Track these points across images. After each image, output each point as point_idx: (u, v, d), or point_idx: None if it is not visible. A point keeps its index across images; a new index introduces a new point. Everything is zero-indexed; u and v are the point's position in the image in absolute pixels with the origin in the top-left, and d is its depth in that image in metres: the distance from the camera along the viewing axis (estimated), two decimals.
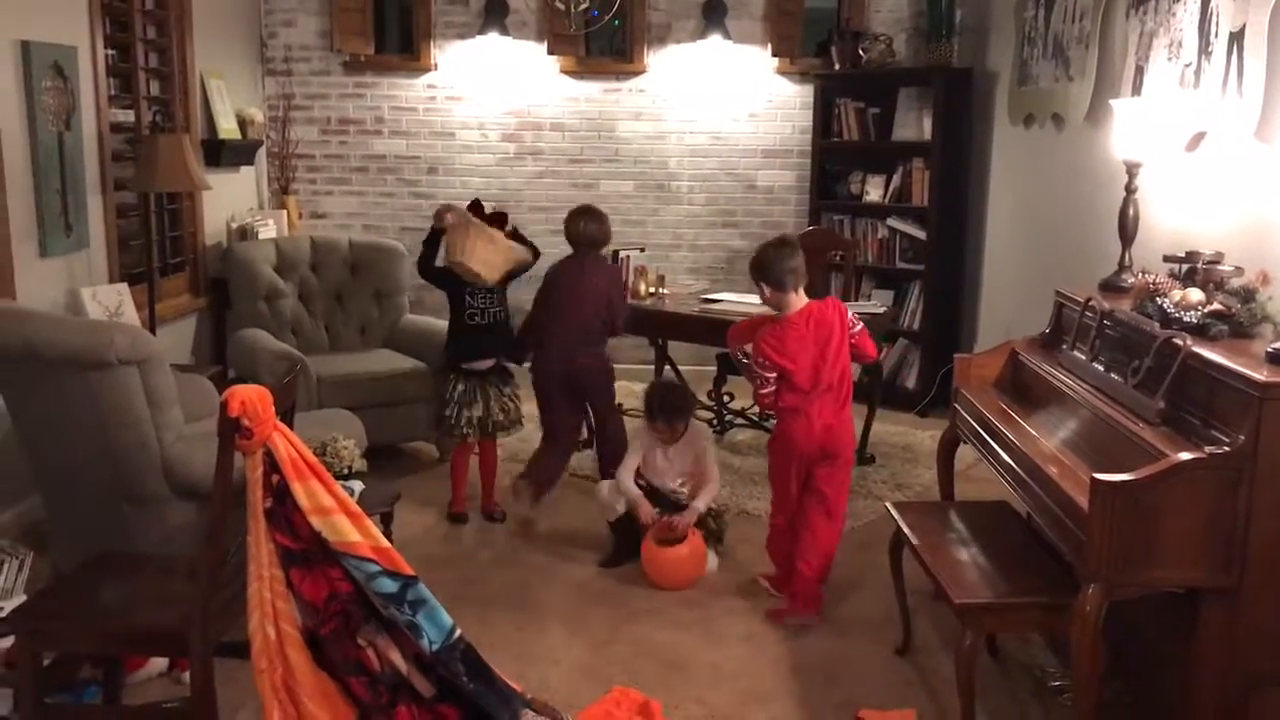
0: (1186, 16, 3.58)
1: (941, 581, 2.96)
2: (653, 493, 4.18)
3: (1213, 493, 2.46)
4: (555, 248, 6.87)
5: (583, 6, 5.60)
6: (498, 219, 4.58)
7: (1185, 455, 2.47)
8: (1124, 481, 2.46)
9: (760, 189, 6.87)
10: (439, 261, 4.47)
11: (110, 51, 5.01)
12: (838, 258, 6.13)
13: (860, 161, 6.56)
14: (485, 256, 4.32)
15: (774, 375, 3.73)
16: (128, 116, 5.21)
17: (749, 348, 3.82)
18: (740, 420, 5.71)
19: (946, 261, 6.25)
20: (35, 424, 3.56)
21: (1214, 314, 2.83)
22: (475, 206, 4.56)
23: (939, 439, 3.87)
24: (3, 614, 3.36)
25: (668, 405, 4.16)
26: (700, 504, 4.09)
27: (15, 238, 4.23)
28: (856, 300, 5.96)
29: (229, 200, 6.14)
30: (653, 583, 3.98)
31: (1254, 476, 2.43)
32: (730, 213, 6.90)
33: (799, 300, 3.80)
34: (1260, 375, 2.43)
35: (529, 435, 4.93)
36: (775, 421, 3.96)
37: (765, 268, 3.79)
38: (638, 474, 4.19)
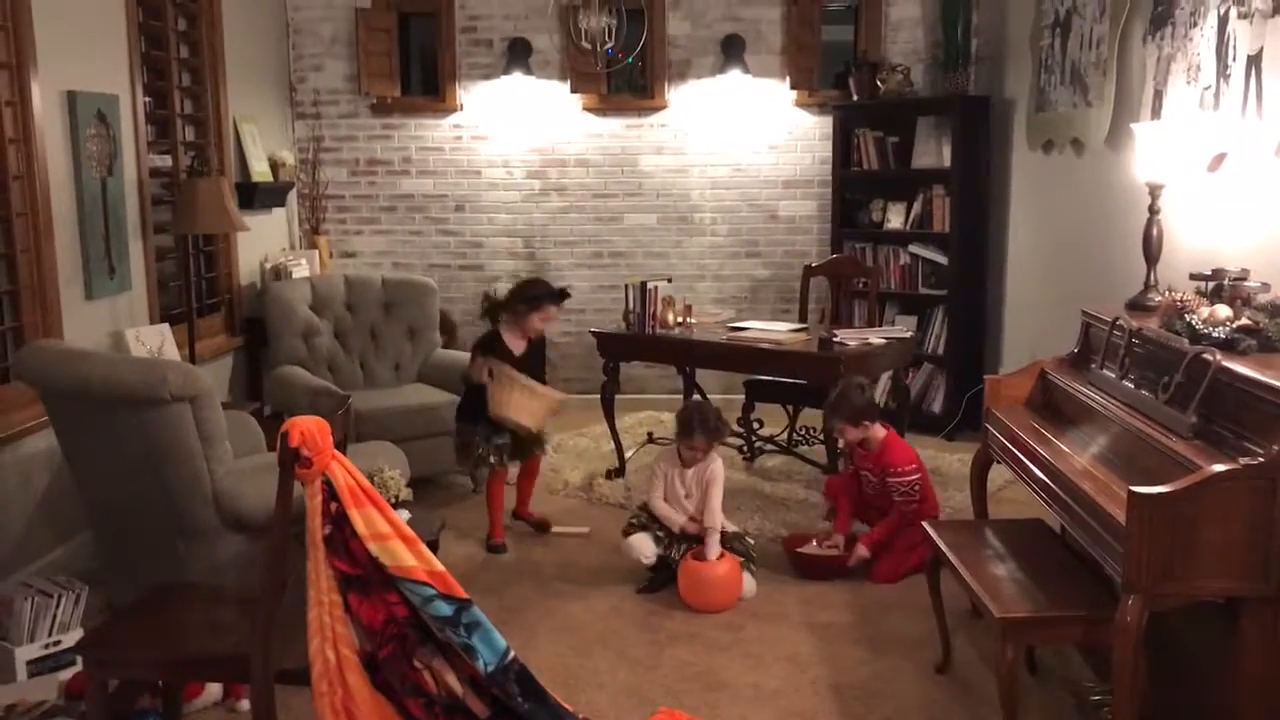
0: (1204, 41, 3.66)
1: (981, 597, 3.01)
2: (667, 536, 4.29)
3: (1248, 503, 2.50)
4: (583, 280, 7.04)
5: (605, 46, 5.72)
6: (561, 295, 4.81)
7: (1219, 467, 2.52)
8: (1160, 494, 2.51)
9: (782, 219, 6.96)
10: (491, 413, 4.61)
11: (148, 99, 5.15)
12: (861, 285, 6.21)
13: (880, 190, 6.65)
14: (528, 407, 4.59)
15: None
16: (165, 161, 5.35)
17: (900, 481, 4.34)
18: (770, 446, 5.77)
19: (969, 286, 6.32)
20: (89, 460, 3.66)
21: (1242, 329, 2.88)
22: (561, 294, 4.80)
23: (972, 459, 3.93)
24: (61, 646, 3.46)
25: (707, 421, 4.27)
26: (715, 522, 4.18)
27: (63, 281, 4.35)
28: (881, 326, 6.02)
29: (262, 241, 6.27)
30: (690, 605, 4.04)
31: None
32: (753, 243, 7.00)
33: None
34: None
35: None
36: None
37: (860, 409, 4.39)
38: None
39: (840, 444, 4.80)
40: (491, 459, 4.63)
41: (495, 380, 4.53)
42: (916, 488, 4.35)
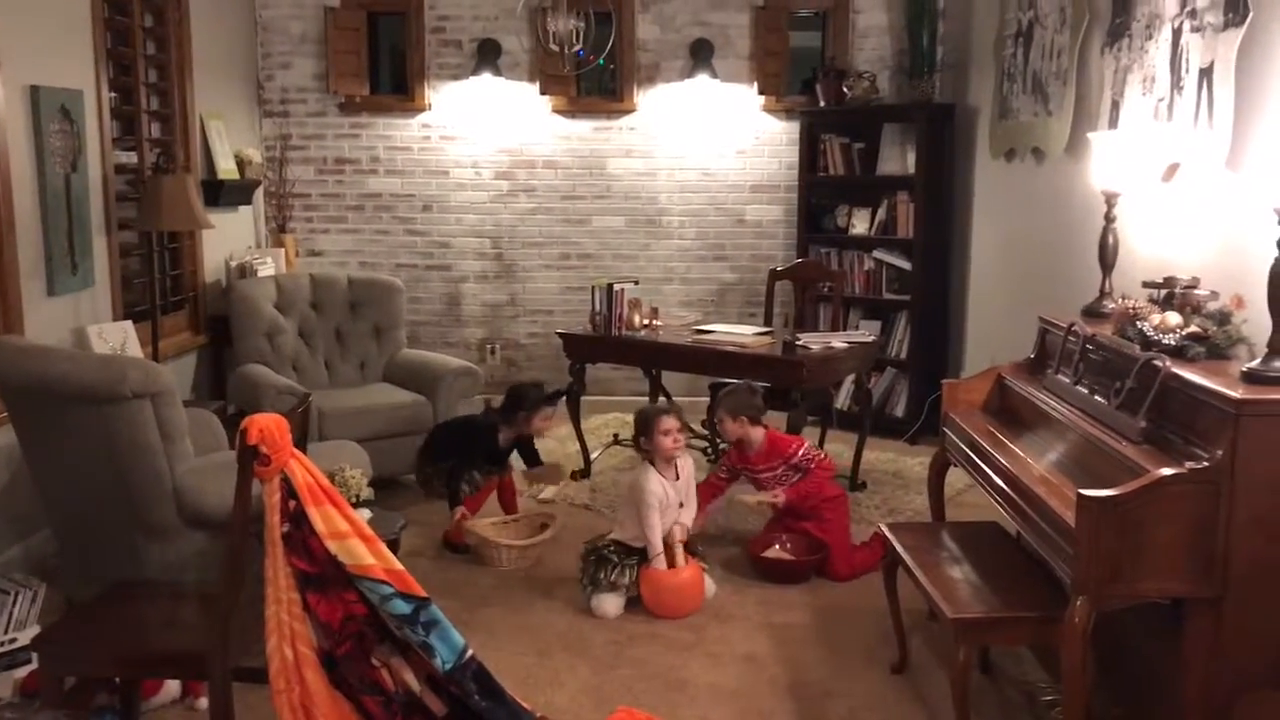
0: (1158, 53, 3.73)
1: (935, 598, 3.06)
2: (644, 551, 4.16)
3: (1193, 506, 2.56)
4: (550, 281, 7.06)
5: (574, 49, 5.74)
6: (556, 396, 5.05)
7: (1166, 471, 2.58)
8: (1108, 497, 2.56)
9: (749, 223, 7.01)
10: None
11: (113, 95, 5.12)
12: (826, 289, 6.26)
13: (846, 195, 6.71)
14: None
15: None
16: (130, 158, 5.33)
17: (802, 457, 4.50)
18: None
19: (932, 292, 6.39)
20: (48, 458, 3.64)
21: (1192, 336, 2.95)
22: (556, 396, 5.03)
23: (930, 463, 3.98)
24: (17, 644, 3.44)
25: (651, 408, 4.43)
26: (686, 519, 4.22)
27: (24, 277, 4.32)
28: (845, 330, 6.08)
29: (227, 239, 6.25)
30: (654, 613, 4.03)
31: (1232, 490, 2.53)
32: (720, 246, 7.04)
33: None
34: (1236, 393, 2.55)
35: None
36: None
37: (743, 406, 4.53)
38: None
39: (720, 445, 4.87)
40: (470, 488, 4.72)
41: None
42: (813, 451, 4.56)
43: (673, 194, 6.99)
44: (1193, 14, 3.47)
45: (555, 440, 6.18)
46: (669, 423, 4.21)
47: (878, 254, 6.49)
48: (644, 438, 4.25)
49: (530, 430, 4.84)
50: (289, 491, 2.61)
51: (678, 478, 4.25)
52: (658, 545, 4.08)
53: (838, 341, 5.19)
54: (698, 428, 5.91)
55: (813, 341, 5.13)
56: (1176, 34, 3.59)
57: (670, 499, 4.19)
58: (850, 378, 5.75)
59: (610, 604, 4.03)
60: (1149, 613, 2.85)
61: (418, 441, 5.19)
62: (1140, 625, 2.98)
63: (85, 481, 3.54)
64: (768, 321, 6.18)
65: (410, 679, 2.70)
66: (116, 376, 3.37)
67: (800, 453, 4.49)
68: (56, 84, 4.53)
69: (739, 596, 4.20)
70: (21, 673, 3.34)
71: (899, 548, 3.43)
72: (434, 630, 2.66)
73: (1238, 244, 3.22)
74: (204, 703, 3.20)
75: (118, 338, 4.81)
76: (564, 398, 5.10)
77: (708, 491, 4.56)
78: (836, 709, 3.37)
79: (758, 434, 4.51)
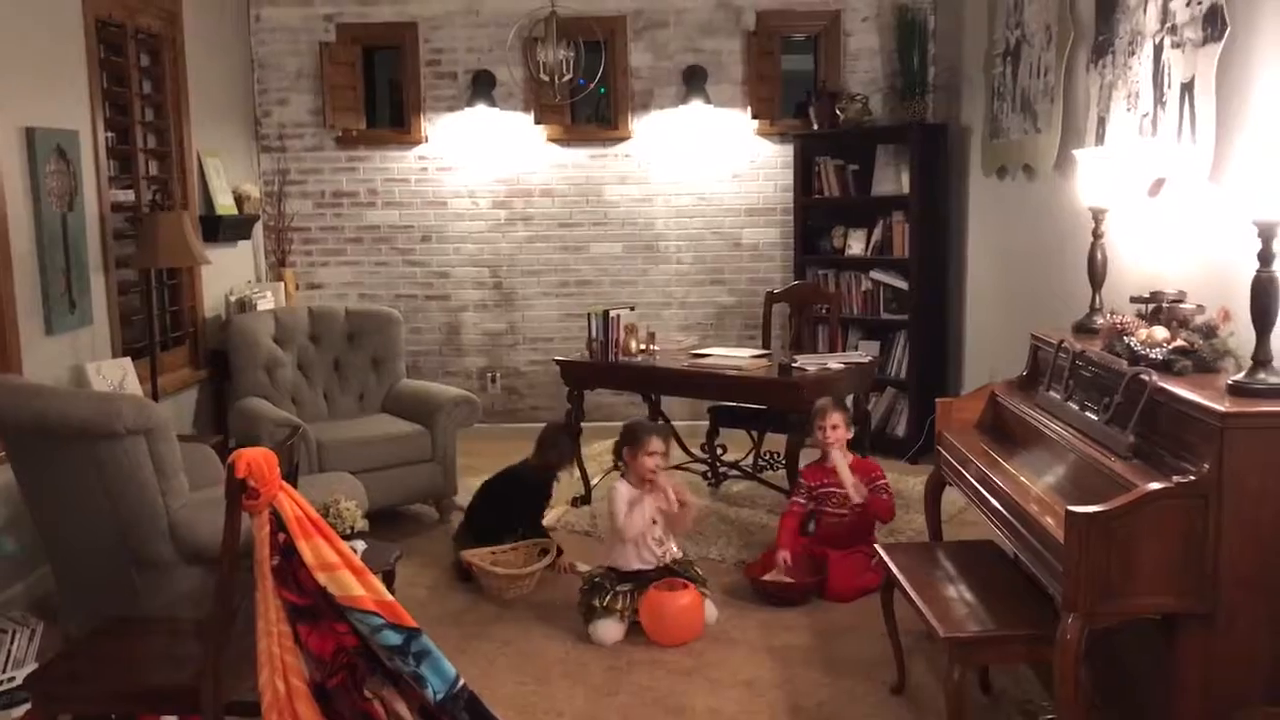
0: (1141, 69, 3.75)
1: (929, 617, 3.05)
2: (640, 575, 4.16)
3: (1182, 520, 2.56)
4: (550, 309, 7.08)
5: (567, 78, 5.78)
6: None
7: (1154, 485, 2.58)
8: (1096, 513, 2.56)
9: (746, 246, 7.03)
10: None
11: (110, 134, 5.17)
12: (823, 311, 6.27)
13: (841, 216, 6.73)
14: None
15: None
16: (128, 196, 5.37)
17: (883, 483, 4.63)
18: (734, 472, 5.80)
19: (929, 310, 6.40)
20: (45, 495, 3.66)
21: (1178, 350, 2.95)
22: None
23: (925, 482, 3.98)
24: (15, 683, 3.45)
25: (644, 425, 4.41)
26: (689, 497, 4.27)
27: (22, 316, 4.35)
28: (843, 351, 6.08)
29: (227, 274, 6.29)
30: (655, 640, 4.01)
31: (1220, 503, 2.53)
32: (718, 270, 7.06)
33: None
34: (1222, 406, 2.55)
35: None
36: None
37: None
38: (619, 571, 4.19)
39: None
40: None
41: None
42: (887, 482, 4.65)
43: (669, 219, 7.02)
44: (1173, 30, 3.49)
45: None
46: (657, 444, 4.21)
47: (874, 274, 6.50)
48: (627, 449, 4.27)
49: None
50: (278, 524, 2.62)
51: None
52: (631, 526, 4.13)
53: (834, 363, 5.20)
54: (697, 451, 5.92)
55: (809, 363, 5.13)
56: (1158, 50, 3.61)
57: (646, 516, 4.18)
58: (848, 399, 5.73)
59: (608, 630, 4.02)
60: (1142, 629, 2.84)
61: (418, 472, 5.23)
62: (1134, 644, 2.96)
63: (81, 518, 3.55)
64: (766, 344, 6.19)
65: (403, 710, 2.70)
66: (111, 413, 3.39)
67: (877, 479, 4.61)
68: (52, 125, 4.57)
69: (739, 620, 4.19)
70: (18, 712, 3.35)
71: (894, 568, 3.42)
72: (425, 660, 2.65)
73: (1222, 257, 3.23)
74: None
75: (116, 375, 4.83)
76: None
77: (792, 521, 4.56)
78: None
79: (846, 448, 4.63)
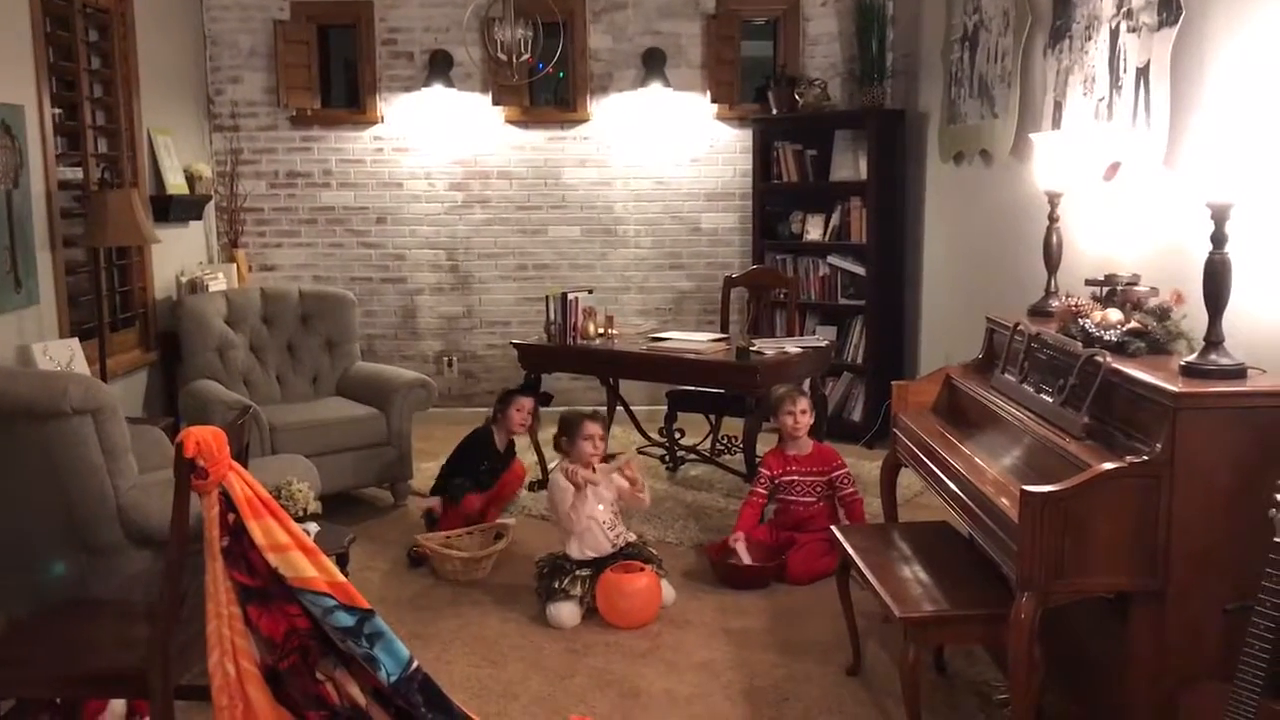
0: (1098, 54, 3.77)
1: (885, 598, 3.06)
2: (597, 561, 4.14)
3: (1135, 500, 2.58)
4: (507, 293, 7.04)
5: (525, 57, 5.74)
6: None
7: (1107, 465, 2.60)
8: (1050, 492, 2.57)
9: (705, 231, 7.02)
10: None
11: (57, 110, 5.05)
12: (781, 295, 6.28)
13: (800, 202, 6.74)
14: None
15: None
16: (76, 174, 5.25)
17: (844, 473, 4.64)
18: (692, 456, 5.80)
19: (886, 296, 6.42)
20: None
21: (1132, 332, 2.97)
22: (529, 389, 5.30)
23: (881, 465, 3.99)
24: None
25: (576, 412, 4.42)
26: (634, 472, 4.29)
27: None
28: (801, 335, 6.09)
29: (178, 255, 6.18)
30: (613, 623, 3.99)
31: (1172, 483, 2.56)
32: (676, 255, 7.04)
33: None
34: (1175, 387, 2.57)
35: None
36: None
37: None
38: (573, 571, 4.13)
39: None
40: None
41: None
42: (850, 477, 4.65)
43: (628, 203, 6.99)
44: (1129, 14, 3.52)
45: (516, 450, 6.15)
46: (593, 428, 4.27)
47: (832, 260, 6.51)
48: (565, 439, 4.30)
49: (510, 427, 5.03)
50: (228, 504, 2.57)
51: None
52: (578, 519, 4.14)
53: (791, 347, 5.21)
54: (655, 435, 5.91)
55: (767, 347, 5.14)
56: (1114, 34, 3.63)
57: (590, 498, 4.17)
58: (805, 382, 5.75)
59: (565, 612, 4.00)
60: (1096, 608, 2.87)
61: (372, 455, 5.18)
62: (1088, 620, 2.99)
63: (26, 500, 3.46)
64: (724, 329, 6.18)
65: (356, 692, 2.67)
66: (57, 392, 3.31)
67: (839, 469, 4.61)
68: None
69: (696, 603, 4.19)
70: None
71: (850, 549, 3.43)
72: (378, 642, 2.63)
73: (1176, 240, 3.26)
74: None
75: (64, 355, 4.73)
76: (549, 401, 5.26)
77: (752, 511, 4.54)
78: (791, 712, 3.37)
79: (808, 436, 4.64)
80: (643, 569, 4.06)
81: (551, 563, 4.13)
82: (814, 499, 4.54)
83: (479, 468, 4.98)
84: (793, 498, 4.54)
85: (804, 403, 4.57)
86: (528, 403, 5.10)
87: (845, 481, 4.59)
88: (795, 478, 4.54)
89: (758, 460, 4.97)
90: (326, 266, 7.01)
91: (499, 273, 7.06)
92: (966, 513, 3.06)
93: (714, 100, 6.86)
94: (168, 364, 5.90)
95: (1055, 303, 3.61)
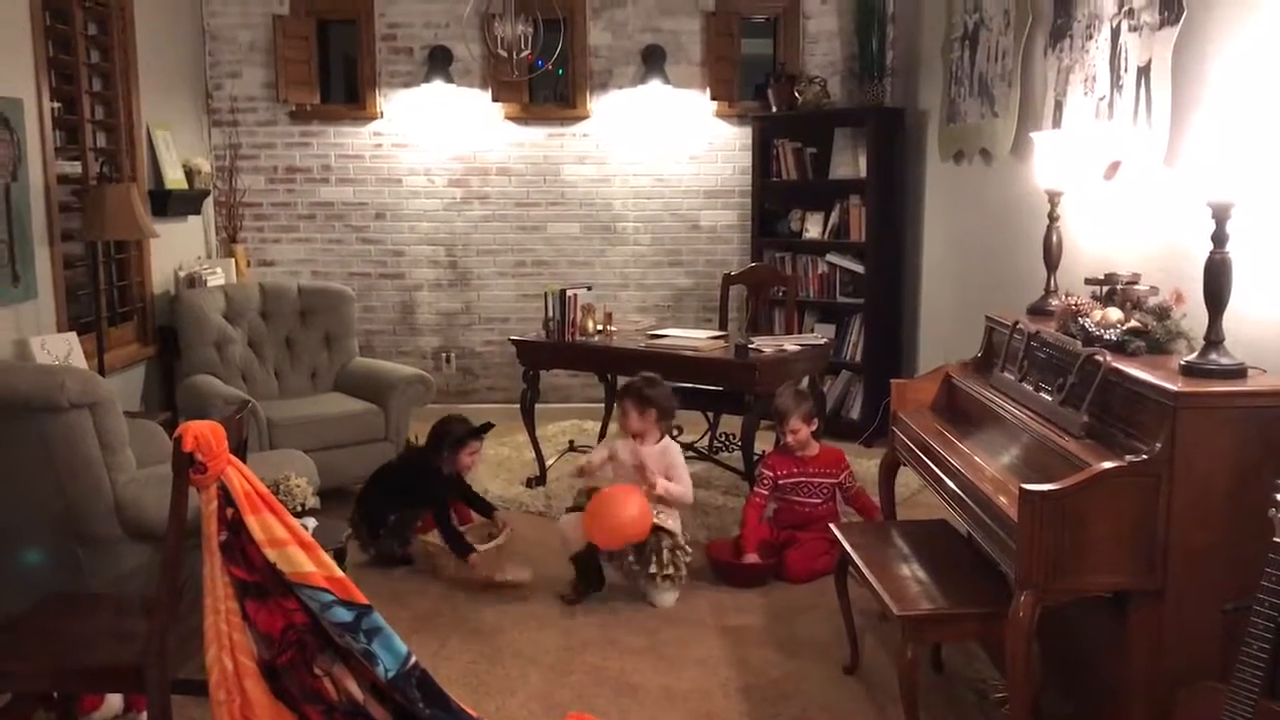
0: (1099, 53, 3.77)
1: (883, 596, 3.06)
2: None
3: (1134, 499, 2.58)
4: (506, 289, 7.03)
5: (524, 53, 5.72)
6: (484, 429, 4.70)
7: (1107, 464, 2.59)
8: (1050, 491, 2.57)
9: (704, 228, 7.01)
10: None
11: (56, 104, 5.04)
12: (780, 293, 6.28)
13: (799, 200, 6.73)
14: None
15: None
16: (74, 168, 5.24)
17: (847, 475, 4.65)
18: (690, 453, 5.78)
19: (885, 294, 6.42)
20: None
21: (1132, 331, 2.97)
22: (481, 430, 4.68)
23: (880, 463, 3.99)
24: None
25: (633, 387, 4.40)
26: (670, 487, 4.26)
27: None
28: (799, 333, 6.09)
29: (177, 249, 6.17)
30: (592, 537, 4.06)
31: (1172, 482, 2.55)
32: (675, 252, 7.04)
33: None
34: (1175, 386, 2.57)
35: None
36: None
37: (811, 410, 4.65)
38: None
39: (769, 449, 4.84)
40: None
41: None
42: (854, 478, 4.66)
43: (627, 200, 6.99)
44: (1130, 13, 3.51)
45: (511, 448, 6.15)
46: (474, 445, 4.56)
47: (831, 257, 6.51)
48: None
49: (457, 467, 4.59)
50: (226, 499, 2.57)
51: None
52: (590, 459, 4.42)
53: (790, 344, 5.20)
54: None
55: (765, 345, 5.13)
56: (1115, 33, 3.63)
57: (625, 460, 4.30)
58: (804, 380, 5.74)
59: (574, 526, 4.15)
60: (1094, 607, 2.86)
61: (371, 450, 5.17)
62: (1085, 619, 2.99)
63: (23, 493, 3.46)
64: (723, 326, 6.18)
65: (353, 688, 2.67)
66: (54, 386, 3.31)
67: (845, 470, 4.62)
68: None
69: (694, 600, 4.18)
70: None
71: (848, 547, 3.43)
72: (376, 638, 2.63)
73: (1177, 240, 3.26)
74: (146, 717, 3.14)
75: (61, 349, 4.72)
76: (489, 431, 4.69)
77: (756, 515, 4.52)
78: (788, 711, 3.36)
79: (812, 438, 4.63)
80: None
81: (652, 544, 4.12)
82: (820, 500, 4.54)
83: (417, 511, 4.54)
84: (799, 498, 4.54)
85: (794, 421, 4.52)
86: (479, 446, 4.68)
87: (850, 480, 4.60)
88: (803, 479, 4.53)
89: (756, 458, 4.96)
90: (325, 262, 7.01)
91: (498, 269, 7.06)
92: (965, 511, 3.06)
93: (714, 98, 6.85)
94: (166, 358, 5.89)
95: (1055, 301, 3.61)
